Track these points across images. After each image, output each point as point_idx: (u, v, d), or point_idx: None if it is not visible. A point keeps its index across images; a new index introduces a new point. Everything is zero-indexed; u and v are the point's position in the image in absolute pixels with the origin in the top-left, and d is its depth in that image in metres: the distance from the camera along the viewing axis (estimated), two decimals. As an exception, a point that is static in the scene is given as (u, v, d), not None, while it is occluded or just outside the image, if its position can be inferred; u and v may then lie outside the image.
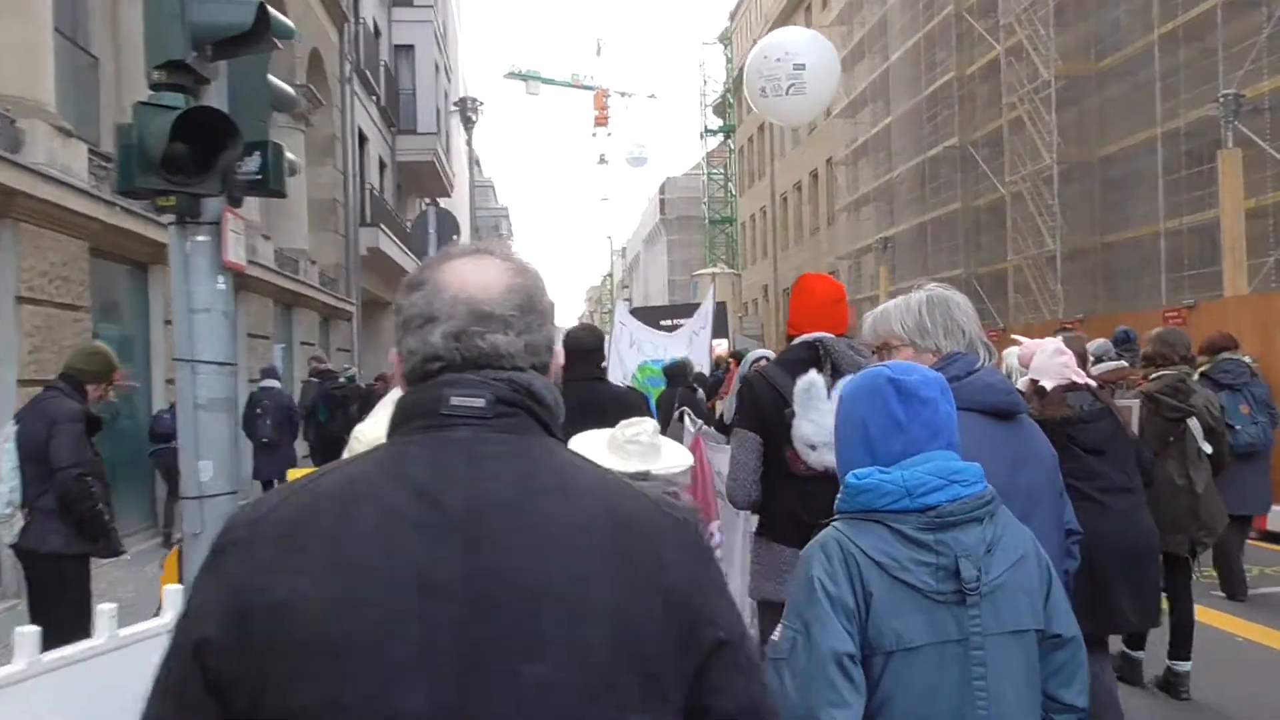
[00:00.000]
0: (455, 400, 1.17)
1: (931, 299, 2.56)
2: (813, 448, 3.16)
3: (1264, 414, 6.87)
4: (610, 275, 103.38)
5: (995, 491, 1.90)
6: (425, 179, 27.06)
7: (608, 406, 3.73)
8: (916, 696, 1.73)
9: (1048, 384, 3.61)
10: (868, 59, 29.73)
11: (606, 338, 6.75)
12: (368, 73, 21.05)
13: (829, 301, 3.53)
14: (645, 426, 2.83)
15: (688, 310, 15.82)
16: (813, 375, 3.14)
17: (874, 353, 2.70)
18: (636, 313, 15.09)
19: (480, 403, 1.17)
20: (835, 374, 3.19)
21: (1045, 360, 3.67)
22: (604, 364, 5.90)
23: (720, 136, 48.74)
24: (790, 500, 3.22)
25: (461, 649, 1.07)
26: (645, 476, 2.53)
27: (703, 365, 11.35)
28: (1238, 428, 6.55)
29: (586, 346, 4.60)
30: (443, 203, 34.22)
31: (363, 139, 20.78)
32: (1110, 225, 19.02)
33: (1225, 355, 7.00)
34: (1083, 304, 18.75)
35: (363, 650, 1.05)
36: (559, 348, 1.61)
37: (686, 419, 5.92)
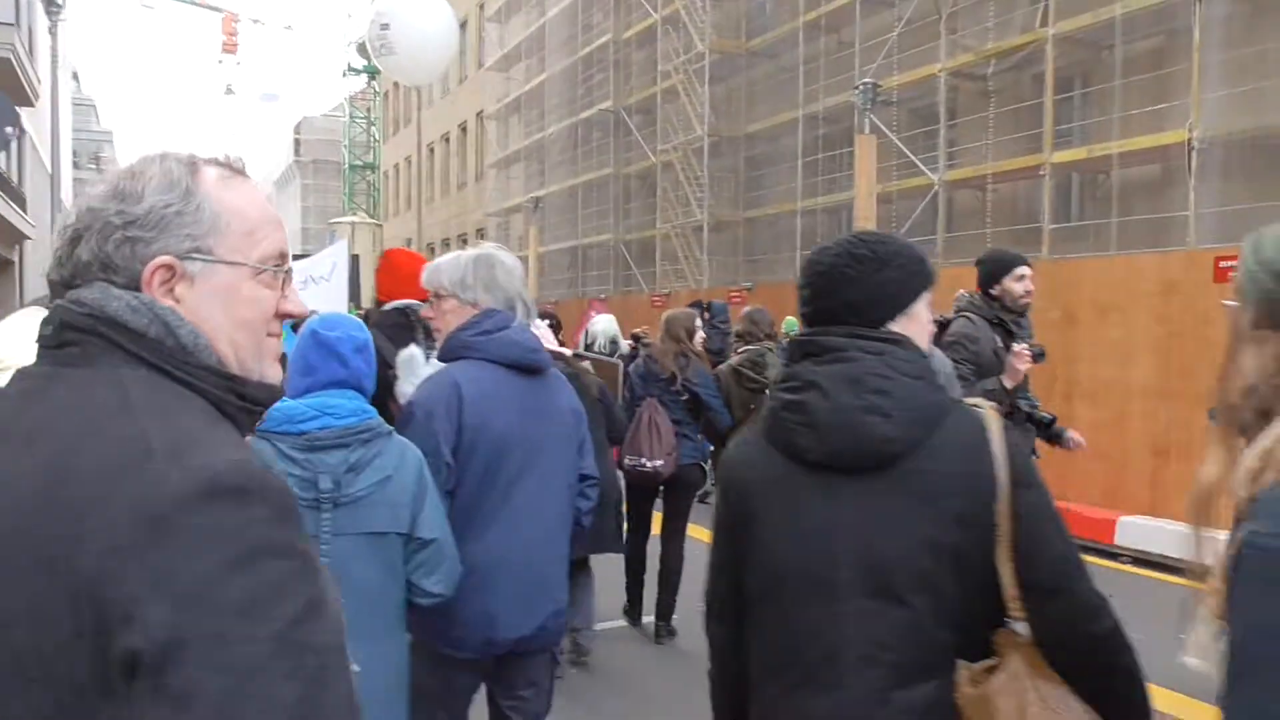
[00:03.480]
0: (40, 331, 1.05)
1: (479, 257, 2.80)
2: None
3: None
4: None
5: (374, 425, 2.41)
6: (1, 81, 22.29)
7: None
8: None
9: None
10: (524, 12, 29.00)
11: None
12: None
13: (412, 273, 3.83)
14: None
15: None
16: (413, 348, 3.31)
17: (428, 302, 2.95)
18: None
19: (47, 330, 1.04)
20: (428, 336, 3.42)
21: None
22: None
23: (364, 78, 45.80)
24: None
25: None
26: None
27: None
28: None
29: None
30: (26, 115, 28.76)
31: (-95, 17, 16.51)
32: (752, 200, 19.82)
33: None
34: (725, 274, 19.41)
35: None
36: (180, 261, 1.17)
37: None
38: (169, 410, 0.98)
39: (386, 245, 42.41)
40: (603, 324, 7.30)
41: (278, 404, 2.01)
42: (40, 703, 0.86)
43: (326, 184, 55.37)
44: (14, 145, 28.27)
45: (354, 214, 42.78)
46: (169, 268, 1.06)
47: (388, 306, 3.99)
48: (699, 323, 6.61)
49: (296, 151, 60.60)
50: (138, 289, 1.05)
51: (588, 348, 8.25)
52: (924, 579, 1.59)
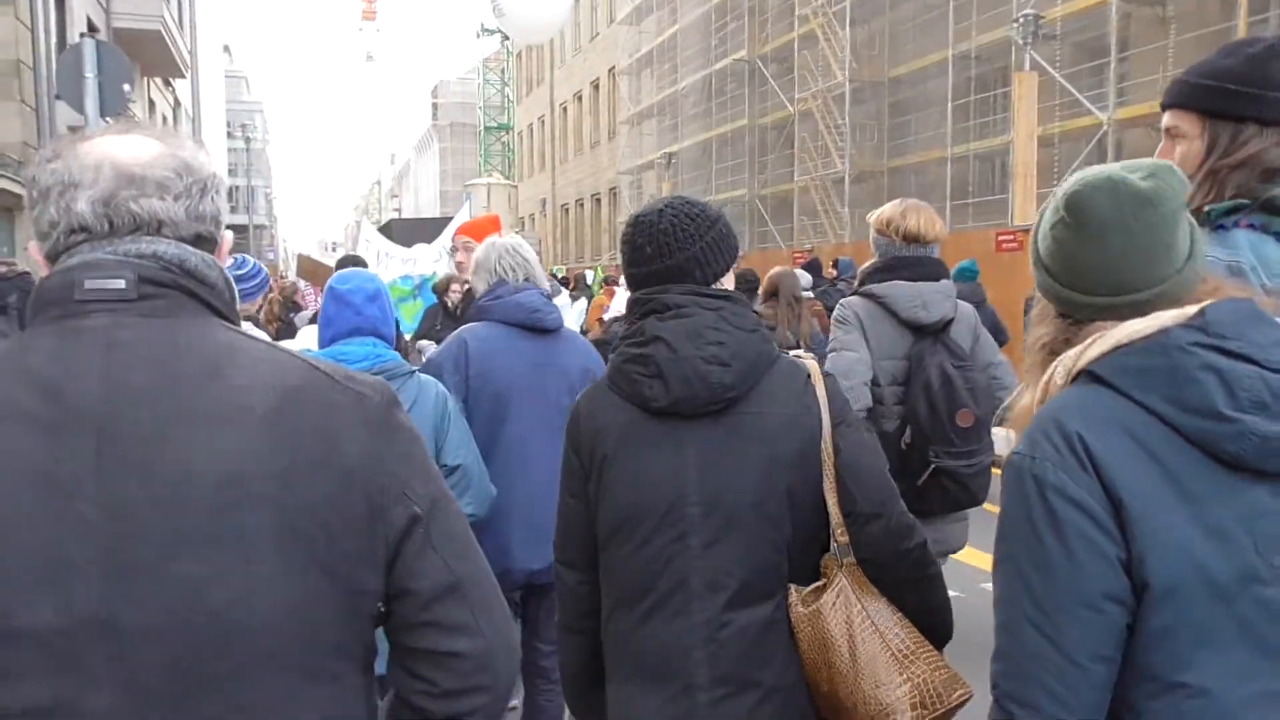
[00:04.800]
0: (90, 284, 1.07)
1: (501, 245, 3.16)
2: None
3: None
4: (379, 183, 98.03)
5: (391, 366, 2.69)
6: (151, 53, 23.09)
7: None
8: None
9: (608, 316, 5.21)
10: (655, -37, 28.26)
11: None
12: (70, -88, 17.35)
13: (489, 232, 4.36)
14: None
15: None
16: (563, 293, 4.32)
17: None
18: (401, 224, 13.82)
19: (120, 284, 1.08)
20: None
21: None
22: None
23: (498, 38, 45.98)
24: None
25: (97, 552, 1.00)
26: None
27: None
28: None
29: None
30: (181, 88, 29.91)
31: (63, -8, 17.15)
32: (897, 149, 18.72)
33: None
34: (868, 228, 18.42)
35: None
36: (229, 235, 1.27)
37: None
38: (269, 346, 1.19)
39: (521, 206, 42.81)
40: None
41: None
42: (336, 569, 1.09)
43: (463, 147, 56.14)
44: (170, 115, 29.52)
45: (489, 175, 43.30)
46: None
47: None
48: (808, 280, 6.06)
49: (434, 115, 61.65)
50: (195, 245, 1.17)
51: None
52: (761, 511, 1.77)
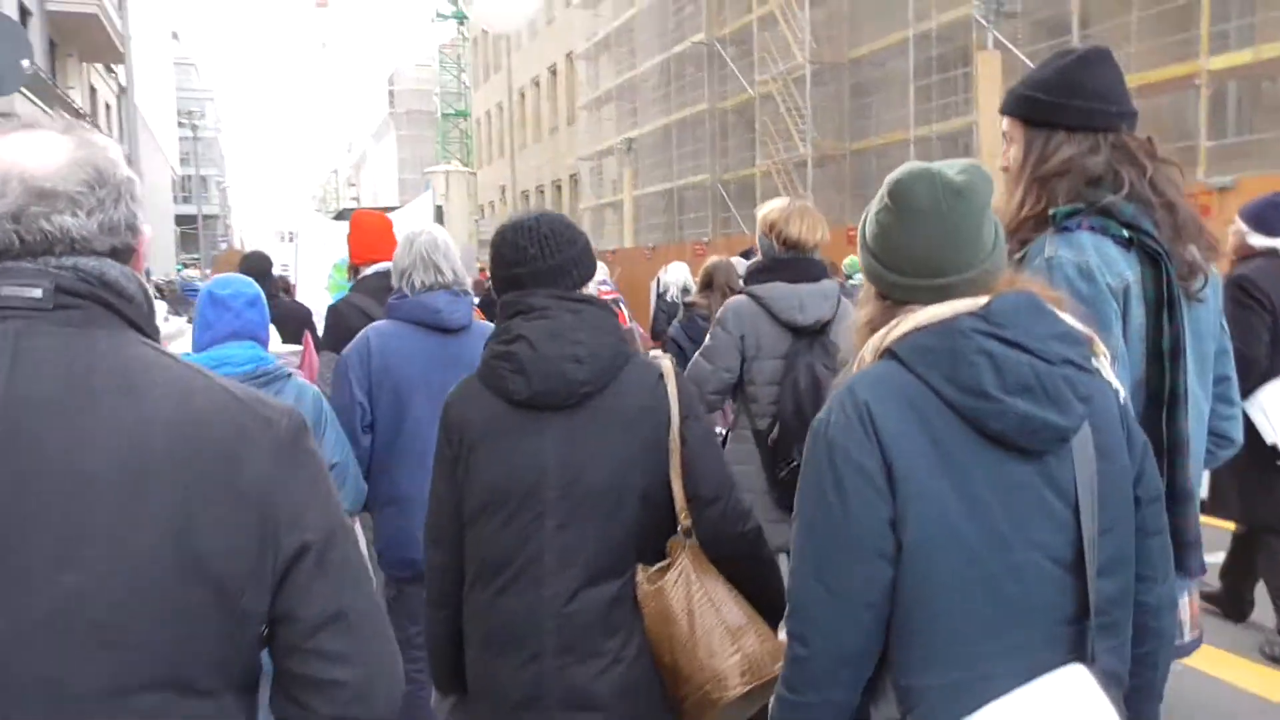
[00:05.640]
0: (6, 291, 1.09)
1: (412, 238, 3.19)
2: None
3: None
4: (335, 172, 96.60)
5: (271, 370, 2.78)
6: (89, 37, 22.25)
7: (284, 323, 4.48)
8: None
9: None
10: (612, -56, 27.79)
11: (295, 248, 7.24)
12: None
13: (380, 232, 4.27)
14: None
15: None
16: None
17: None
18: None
19: (36, 293, 1.09)
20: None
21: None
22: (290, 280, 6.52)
23: (454, 25, 45.18)
24: None
25: None
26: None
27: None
28: None
29: (260, 270, 5.63)
30: (124, 75, 28.89)
31: (-10, -27, 16.36)
32: (859, 131, 18.48)
33: None
34: (830, 212, 18.18)
35: None
36: (147, 230, 1.25)
37: None
38: (183, 365, 1.19)
39: (480, 193, 42.18)
40: (674, 273, 7.02)
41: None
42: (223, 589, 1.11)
43: (421, 134, 55.31)
44: (113, 103, 28.56)
45: (448, 163, 42.58)
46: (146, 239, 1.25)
47: (368, 271, 4.12)
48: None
49: (390, 103, 60.66)
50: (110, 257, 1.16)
51: (659, 297, 7.66)
52: (612, 495, 1.92)
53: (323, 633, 1.16)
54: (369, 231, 4.29)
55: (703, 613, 1.91)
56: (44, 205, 1.09)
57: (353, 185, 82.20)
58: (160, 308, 4.07)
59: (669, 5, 24.17)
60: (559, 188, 35.41)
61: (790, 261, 3.35)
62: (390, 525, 3.08)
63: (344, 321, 3.82)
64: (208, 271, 28.25)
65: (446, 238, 3.19)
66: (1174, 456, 1.84)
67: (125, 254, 1.17)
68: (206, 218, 48.67)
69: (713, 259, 5.92)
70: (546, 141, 35.83)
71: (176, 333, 4.14)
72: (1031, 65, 13.22)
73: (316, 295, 7.39)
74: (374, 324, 3.15)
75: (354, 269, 4.33)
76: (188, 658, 1.09)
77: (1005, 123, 1.99)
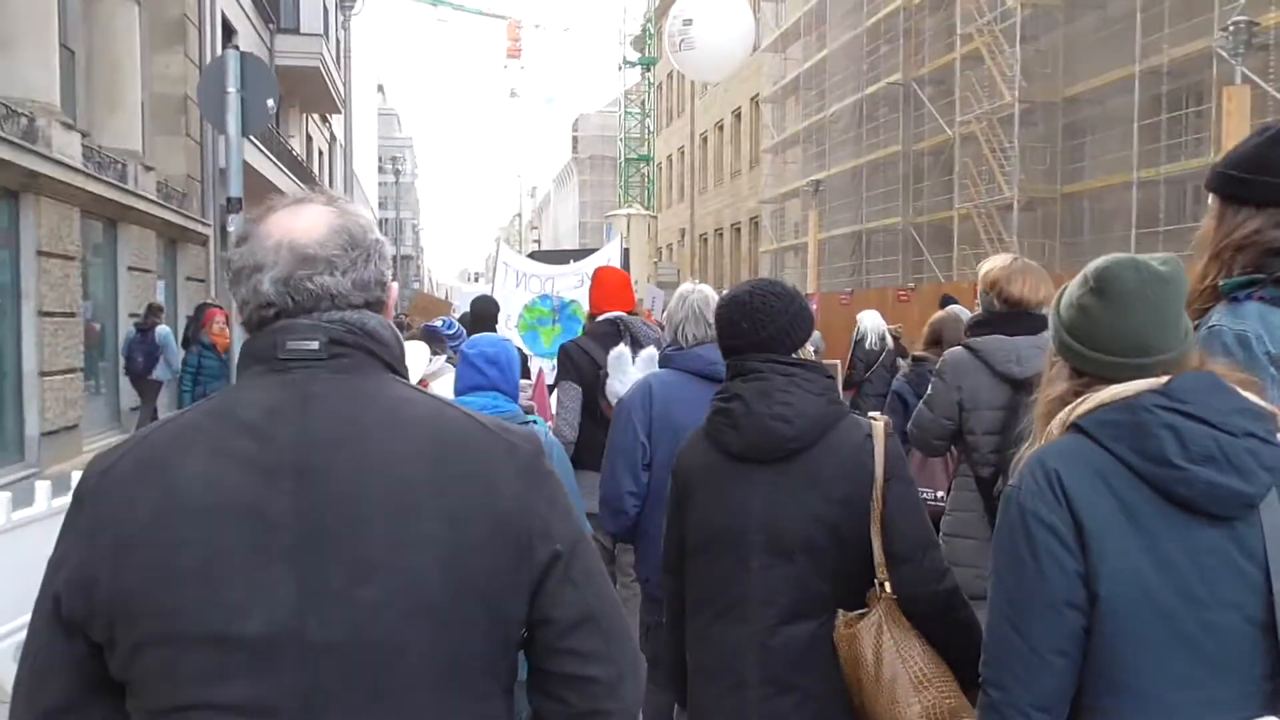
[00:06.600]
0: (290, 344, 1.23)
1: (686, 297, 3.45)
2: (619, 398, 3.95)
3: None
4: (519, 215, 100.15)
5: (514, 415, 3.06)
6: (310, 90, 23.76)
7: None
8: None
9: None
10: (803, -11, 27.54)
11: (492, 287, 7.69)
12: (238, -45, 17.89)
13: (618, 287, 4.74)
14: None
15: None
16: (621, 347, 4.13)
17: (633, 313, 4.56)
18: (540, 255, 13.71)
19: (314, 345, 1.23)
20: (634, 344, 4.26)
21: None
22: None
23: (639, 71, 46.07)
24: (600, 436, 3.74)
25: (295, 575, 1.15)
26: None
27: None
28: None
29: (487, 314, 6.42)
30: (336, 124, 30.84)
31: (229, 30, 17.61)
32: (1071, 174, 17.37)
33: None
34: (1035, 257, 17.09)
35: (194, 584, 1.14)
36: (394, 284, 1.43)
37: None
38: (435, 399, 1.36)
39: (660, 236, 42.59)
40: (870, 320, 7.08)
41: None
42: (488, 608, 1.23)
43: (602, 179, 56.55)
44: (325, 150, 30.51)
45: (629, 207, 43.23)
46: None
47: (600, 318, 4.53)
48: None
49: (574, 148, 62.42)
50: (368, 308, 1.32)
51: (857, 344, 7.57)
52: (809, 544, 2.13)
53: (576, 633, 1.26)
54: (609, 286, 4.73)
55: (890, 661, 2.01)
56: (307, 268, 1.24)
57: (535, 228, 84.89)
58: (423, 349, 4.34)
59: (863, 46, 23.67)
60: (738, 231, 35.21)
61: (1009, 316, 3.45)
62: (657, 553, 3.17)
63: (571, 359, 4.37)
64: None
65: (713, 294, 3.35)
66: None
67: (377, 305, 1.31)
68: (403, 258, 51.20)
69: (939, 314, 5.56)
70: (728, 184, 35.77)
71: (439, 370, 4.28)
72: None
73: (507, 334, 7.58)
74: (655, 372, 3.48)
75: (591, 316, 4.81)
76: (464, 663, 1.21)
77: (1210, 198, 2.03)
